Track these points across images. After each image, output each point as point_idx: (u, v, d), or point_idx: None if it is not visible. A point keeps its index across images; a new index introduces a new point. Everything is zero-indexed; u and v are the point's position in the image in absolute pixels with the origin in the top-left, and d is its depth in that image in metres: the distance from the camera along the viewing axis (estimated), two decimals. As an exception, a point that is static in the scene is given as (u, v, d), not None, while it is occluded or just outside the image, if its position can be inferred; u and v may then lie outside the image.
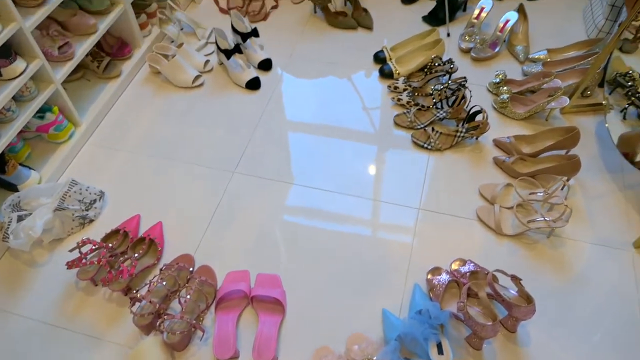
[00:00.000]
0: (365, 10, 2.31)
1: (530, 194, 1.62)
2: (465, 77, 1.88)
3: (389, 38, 2.24)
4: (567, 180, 1.60)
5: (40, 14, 1.58)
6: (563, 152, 1.71)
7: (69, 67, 1.75)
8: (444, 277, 1.42)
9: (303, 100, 1.99)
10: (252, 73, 2.04)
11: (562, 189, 1.58)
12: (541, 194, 1.59)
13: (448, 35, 2.21)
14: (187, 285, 1.45)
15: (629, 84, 1.82)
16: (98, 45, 2.03)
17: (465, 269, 1.44)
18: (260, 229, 1.61)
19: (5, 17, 1.48)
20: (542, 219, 1.51)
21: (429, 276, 1.45)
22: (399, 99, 1.93)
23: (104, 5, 1.90)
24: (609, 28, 2.05)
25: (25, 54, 1.60)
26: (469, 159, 1.77)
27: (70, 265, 1.44)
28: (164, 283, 1.41)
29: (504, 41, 2.13)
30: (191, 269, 1.51)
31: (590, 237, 1.56)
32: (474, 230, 1.59)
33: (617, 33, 1.66)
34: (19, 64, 1.54)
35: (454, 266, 1.47)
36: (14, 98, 1.58)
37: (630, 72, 1.84)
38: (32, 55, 1.60)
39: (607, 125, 1.68)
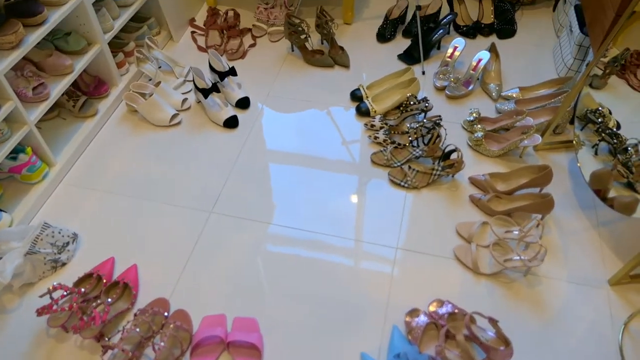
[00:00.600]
0: (341, 48, 2.35)
1: (506, 232, 1.63)
2: (440, 116, 1.92)
3: (366, 76, 2.27)
4: (542, 218, 1.62)
5: (15, 56, 1.57)
6: (537, 189, 1.74)
7: (43, 107, 1.73)
8: (422, 319, 1.42)
9: (281, 138, 2.00)
10: (230, 111, 2.04)
11: (536, 227, 1.60)
12: (517, 232, 1.61)
13: (423, 73, 2.26)
14: (161, 331, 1.42)
15: (599, 120, 1.87)
16: (74, 84, 2.02)
17: (443, 310, 1.43)
18: (237, 270, 1.60)
19: (-22, 60, 1.48)
20: (518, 258, 1.52)
21: (407, 318, 1.44)
22: (375, 137, 1.95)
23: (81, 45, 1.90)
24: (578, 66, 2.12)
25: (-1, 96, 1.58)
26: (445, 197, 1.79)
27: (40, 312, 1.39)
28: (138, 330, 1.38)
29: (477, 79, 2.18)
30: (166, 313, 1.47)
31: (566, 275, 1.58)
32: (452, 269, 1.59)
33: (585, 73, 1.72)
34: (-8, 107, 1.52)
35: (432, 307, 1.47)
36: (-15, 140, 1.55)
37: (600, 108, 1.89)
38: (4, 97, 1.59)
39: (579, 164, 1.72)
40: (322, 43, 2.43)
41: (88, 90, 2.06)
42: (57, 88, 1.79)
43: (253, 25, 2.52)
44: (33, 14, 1.63)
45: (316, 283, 1.56)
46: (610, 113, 1.87)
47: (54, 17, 1.70)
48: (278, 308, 1.50)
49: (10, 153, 1.67)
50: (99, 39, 1.95)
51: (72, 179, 1.87)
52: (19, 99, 1.64)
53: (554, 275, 1.58)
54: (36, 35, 1.64)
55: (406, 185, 1.80)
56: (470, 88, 2.14)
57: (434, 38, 2.30)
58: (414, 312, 1.45)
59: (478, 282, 1.56)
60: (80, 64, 1.88)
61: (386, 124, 1.99)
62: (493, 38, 2.47)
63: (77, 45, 1.89)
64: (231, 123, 2.03)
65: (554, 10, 2.60)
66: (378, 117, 2.03)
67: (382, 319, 1.47)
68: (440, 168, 1.78)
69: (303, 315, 1.49)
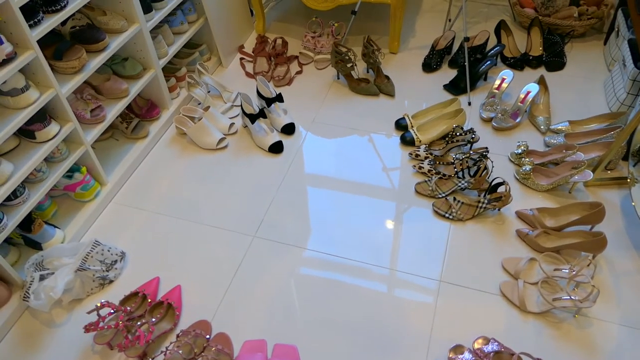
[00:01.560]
0: (387, 77, 2.37)
1: (555, 270, 1.58)
2: (487, 148, 1.89)
3: (410, 105, 2.28)
4: (593, 257, 1.57)
5: (76, 81, 1.65)
6: (588, 227, 1.69)
7: (99, 129, 1.81)
8: (467, 356, 1.38)
9: (324, 165, 2.02)
10: (275, 137, 2.08)
11: (587, 266, 1.54)
12: (566, 270, 1.56)
13: (469, 104, 2.25)
14: (203, 354, 1.42)
15: (654, 157, 1.81)
16: (128, 106, 2.10)
17: (488, 348, 1.39)
18: (278, 296, 1.60)
19: (43, 84, 1.56)
20: (569, 297, 1.47)
21: (451, 354, 1.40)
22: (420, 167, 1.94)
23: (137, 70, 1.98)
24: (631, 101, 2.06)
25: (59, 117, 1.66)
26: (491, 231, 1.75)
27: (87, 329, 1.43)
28: (180, 352, 1.39)
29: (525, 112, 2.15)
30: (208, 336, 1.48)
31: (618, 317, 1.51)
32: (497, 305, 1.55)
33: (640, 110, 1.67)
34: (53, 128, 1.60)
35: (477, 345, 1.42)
36: (45, 159, 1.62)
37: (654, 145, 1.84)
38: (65, 119, 1.66)
39: (633, 203, 1.66)
40: (368, 72, 2.45)
41: (141, 113, 2.14)
42: (113, 111, 1.86)
43: (300, 52, 2.57)
44: (96, 41, 1.72)
45: (357, 312, 1.54)
46: (665, 149, 1.81)
47: (115, 44, 1.79)
48: (318, 336, 1.49)
49: (67, 172, 1.74)
50: (154, 64, 2.03)
51: (121, 198, 1.93)
52: (78, 120, 1.72)
53: (606, 317, 1.51)
54: (97, 61, 1.73)
55: (451, 217, 1.78)
56: (517, 120, 2.11)
57: (481, 69, 2.29)
58: (458, 349, 1.41)
59: (525, 320, 1.51)
60: (135, 88, 1.95)
61: (431, 154, 1.98)
62: (541, 70, 2.43)
63: (133, 70, 1.97)
64: (276, 148, 2.06)
65: (605, 43, 2.55)
66: (423, 146, 2.02)
67: (424, 353, 1.44)
68: (486, 201, 1.75)
69: (343, 344, 1.47)
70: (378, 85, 2.35)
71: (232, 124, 2.17)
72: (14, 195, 1.53)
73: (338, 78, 2.44)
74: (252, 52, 2.60)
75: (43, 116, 1.57)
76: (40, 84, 1.56)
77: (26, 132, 1.57)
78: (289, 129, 2.15)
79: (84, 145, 1.75)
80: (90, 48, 1.72)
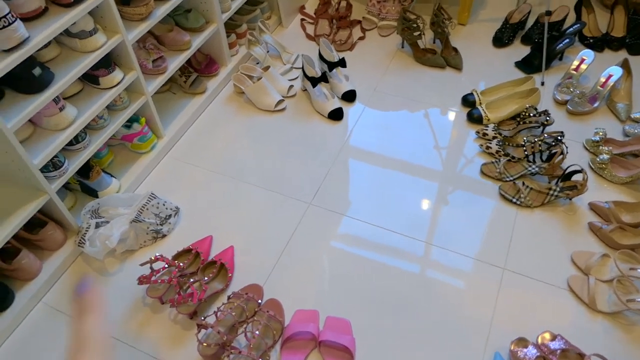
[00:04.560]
0: (455, 49, 2.24)
1: (630, 269, 1.48)
2: (562, 132, 1.77)
3: (478, 81, 2.15)
4: (674, 258, 1.45)
5: (142, 28, 1.60)
6: (668, 225, 1.57)
7: (160, 80, 1.76)
8: (531, 350, 1.30)
9: (385, 138, 1.93)
10: (336, 103, 2.00)
11: (666, 267, 1.43)
12: (644, 270, 1.45)
13: (542, 84, 2.10)
14: (254, 319, 1.39)
15: None
16: (187, 61, 2.04)
17: (555, 345, 1.31)
18: (333, 268, 1.55)
19: (110, 29, 1.51)
20: (645, 299, 1.37)
21: (513, 347, 1.33)
22: (487, 147, 1.84)
23: (199, 23, 1.91)
24: None
25: (123, 65, 1.62)
26: (561, 221, 1.64)
27: (141, 281, 1.41)
28: (233, 314, 1.36)
29: (604, 97, 2.00)
30: (260, 301, 1.45)
31: (696, 326, 1.40)
32: (564, 300, 1.46)
33: None
34: (117, 75, 1.56)
35: (542, 340, 1.34)
36: (106, 107, 1.59)
37: None
38: (129, 67, 1.62)
39: None
40: (435, 42, 2.33)
41: (200, 68, 2.09)
42: (174, 63, 1.81)
43: (363, 17, 2.46)
44: (164, -12, 1.66)
45: (416, 293, 1.48)
46: None
47: (181, -7, 1.72)
48: (372, 313, 1.44)
49: (126, 121, 1.71)
50: (217, 18, 1.96)
51: (177, 153, 1.90)
52: (140, 70, 1.67)
53: (682, 324, 1.41)
54: (163, 9, 1.67)
55: (519, 202, 1.68)
56: (595, 105, 1.97)
57: (557, 47, 2.14)
58: (521, 342, 1.34)
59: (594, 319, 1.42)
60: (197, 41, 1.90)
61: (500, 133, 1.86)
62: (623, 53, 2.26)
63: (196, 22, 1.91)
64: (336, 115, 1.98)
65: (697, 29, 2.34)
66: (491, 125, 1.90)
67: (483, 342, 1.37)
68: (558, 189, 1.64)
69: (398, 325, 1.41)
70: (445, 57, 2.22)
71: (292, 86, 2.10)
72: (76, 140, 1.50)
73: (403, 47, 2.32)
74: (314, 14, 2.50)
75: (108, 62, 1.53)
76: (107, 28, 1.51)
77: (90, 77, 1.54)
78: (350, 96, 2.06)
79: (145, 96, 1.71)
80: (157, -5, 1.66)
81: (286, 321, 1.42)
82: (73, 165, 1.50)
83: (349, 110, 2.04)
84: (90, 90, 1.56)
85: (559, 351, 1.29)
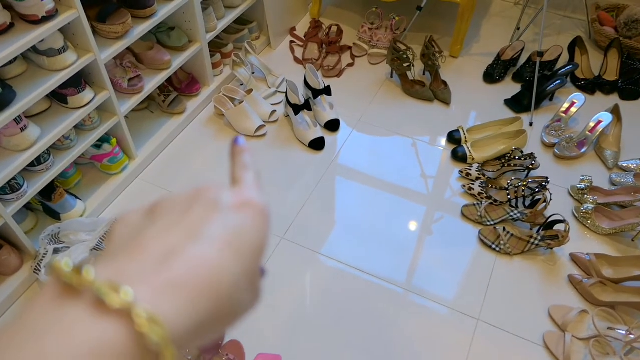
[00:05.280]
0: (444, 83, 2.20)
1: (608, 328, 1.42)
2: (547, 178, 1.72)
3: (466, 117, 2.11)
4: (655, 320, 1.40)
5: (118, 48, 1.53)
6: (651, 283, 1.51)
7: (135, 100, 1.70)
8: (501, 414, 1.24)
9: (367, 171, 1.87)
10: (318, 132, 1.94)
11: (646, 328, 1.38)
12: (622, 332, 1.39)
13: (531, 124, 2.06)
14: (212, 362, 1.32)
15: None
16: (168, 79, 1.98)
17: (526, 409, 1.25)
18: (300, 309, 1.48)
19: (82, 47, 1.45)
20: (622, 363, 1.31)
21: (482, 408, 1.27)
22: (470, 188, 1.78)
23: (182, 42, 1.86)
24: None
25: (95, 84, 1.56)
26: (540, 271, 1.59)
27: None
28: (189, 357, 1.28)
29: (593, 142, 1.96)
30: (220, 342, 1.37)
31: (674, 393, 1.34)
32: (538, 357, 1.40)
33: None
34: (87, 94, 1.49)
35: (513, 402, 1.28)
36: (74, 126, 1.52)
37: None
38: (101, 86, 1.56)
39: None
40: (424, 74, 2.28)
41: (180, 87, 2.03)
42: (152, 82, 1.75)
43: (354, 43, 2.41)
44: (143, 7, 1.60)
45: (386, 340, 1.41)
46: None
47: (163, 12, 1.66)
48: (337, 358, 1.37)
49: (96, 141, 1.64)
50: (201, 37, 1.90)
51: (149, 175, 1.82)
52: (114, 89, 1.61)
53: (660, 390, 1.35)
54: (142, 28, 1.61)
55: (498, 249, 1.62)
56: (583, 150, 1.92)
57: (549, 88, 2.10)
58: (490, 403, 1.27)
59: (568, 380, 1.36)
60: (178, 61, 1.83)
61: (483, 174, 1.81)
62: (614, 97, 2.22)
63: (178, 41, 1.85)
64: (317, 145, 1.92)
65: (689, 76, 2.31)
66: (475, 165, 1.85)
67: (451, 400, 1.31)
68: (539, 237, 1.58)
69: (364, 376, 1.34)
70: (434, 90, 2.17)
71: (274, 111, 2.04)
72: (38, 161, 1.43)
73: (392, 77, 2.27)
74: (304, 37, 2.45)
75: (78, 81, 1.46)
76: (79, 46, 1.45)
77: (58, 96, 1.47)
78: (333, 126, 2.01)
79: (117, 116, 1.64)
80: (136, 13, 1.60)
81: (246, 366, 1.35)
82: (34, 187, 1.42)
83: (332, 140, 1.98)
84: (58, 109, 1.49)
85: (529, 417, 1.23)
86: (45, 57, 1.36)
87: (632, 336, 1.36)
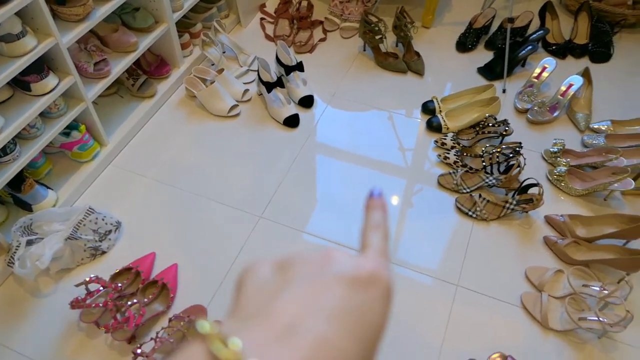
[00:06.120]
0: (417, 54, 2.19)
1: (583, 285, 1.45)
2: (520, 143, 1.73)
3: (440, 87, 2.10)
4: (627, 275, 1.43)
5: (80, 30, 1.49)
6: (622, 240, 1.55)
7: (102, 85, 1.66)
8: (481, 375, 1.26)
9: (342, 145, 1.87)
10: (292, 109, 1.92)
11: (618, 283, 1.41)
12: (596, 288, 1.43)
13: (504, 91, 2.07)
14: (195, 342, 1.32)
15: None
16: (136, 61, 1.93)
17: (505, 368, 1.28)
18: (281, 285, 1.48)
19: (42, 31, 1.40)
20: (597, 319, 1.34)
21: (464, 370, 1.29)
22: (445, 157, 1.79)
23: (148, 23, 1.81)
24: (682, 105, 1.89)
25: (59, 69, 1.51)
26: (516, 235, 1.61)
27: (74, 305, 1.32)
28: (172, 340, 1.28)
29: (565, 106, 1.97)
30: None
31: (647, 344, 1.39)
32: (517, 318, 1.43)
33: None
34: (51, 81, 1.45)
35: (493, 362, 1.31)
36: (40, 114, 1.48)
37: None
38: (65, 72, 1.51)
39: (680, 222, 1.51)
40: (397, 46, 2.27)
41: (149, 70, 1.98)
42: (119, 66, 1.71)
43: (325, 18, 2.38)
44: (104, -13, 1.55)
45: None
46: None
47: (125, -8, 1.62)
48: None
49: (64, 129, 1.60)
50: (167, 17, 1.86)
51: (122, 161, 1.79)
52: (79, 73, 1.57)
53: (634, 342, 1.39)
54: (105, 9, 1.56)
55: (474, 215, 1.64)
56: (555, 115, 1.94)
57: (520, 54, 2.10)
58: (471, 365, 1.30)
59: (545, 337, 1.39)
60: (145, 42, 1.79)
61: (458, 143, 1.82)
62: (585, 61, 2.24)
63: (144, 22, 1.81)
64: (292, 122, 1.91)
65: (657, 36, 2.34)
66: (450, 134, 1.86)
67: (433, 365, 1.33)
68: (515, 202, 1.60)
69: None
70: (407, 61, 2.16)
71: (247, 90, 2.01)
72: (4, 152, 1.39)
73: (364, 50, 2.25)
74: (274, 13, 2.41)
75: (40, 67, 1.42)
76: (39, 30, 1.40)
77: (21, 83, 1.43)
78: (307, 102, 1.99)
79: (85, 102, 1.60)
80: (97, -6, 1.55)
81: (230, 344, 1.35)
82: (1, 179, 1.39)
83: (307, 116, 1.97)
84: (21, 97, 1.45)
85: (509, 375, 1.26)
86: (3, 43, 1.31)
87: (605, 292, 1.39)
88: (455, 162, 1.77)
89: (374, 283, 0.31)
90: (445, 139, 1.85)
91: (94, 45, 1.67)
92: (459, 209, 1.67)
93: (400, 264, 1.53)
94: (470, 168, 1.73)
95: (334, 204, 1.68)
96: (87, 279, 1.34)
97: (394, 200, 1.70)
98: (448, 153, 1.80)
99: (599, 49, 2.24)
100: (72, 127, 1.63)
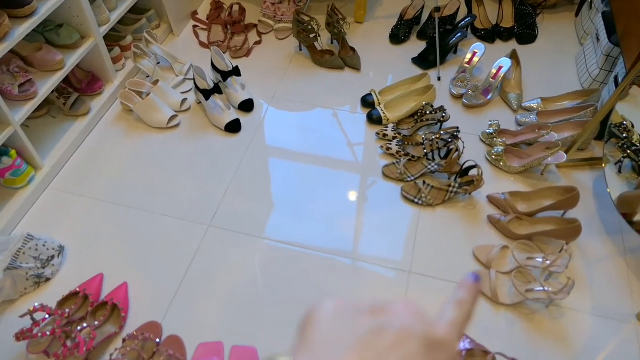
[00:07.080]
0: (353, 49, 2.22)
1: (528, 258, 1.51)
2: (457, 128, 1.79)
3: (377, 80, 2.14)
4: (567, 244, 1.50)
5: (0, 51, 1.43)
6: (560, 211, 1.62)
7: (30, 106, 1.60)
8: (438, 356, 1.29)
9: (286, 146, 1.87)
10: (233, 115, 1.91)
11: (559, 252, 1.48)
12: (540, 259, 1.49)
13: (439, 79, 2.13)
14: (152, 359, 1.29)
15: (624, 135, 1.75)
16: (66, 80, 1.88)
17: (460, 346, 1.32)
18: (236, 293, 1.47)
19: (-44, 56, 1.34)
20: (542, 289, 1.40)
21: (422, 353, 1.32)
22: (388, 148, 1.82)
23: (73, 39, 1.76)
24: (604, 78, 1.99)
25: (-20, 94, 1.45)
26: (462, 217, 1.66)
27: (19, 337, 1.27)
28: (126, 359, 1.25)
29: (497, 88, 2.05)
30: (158, 339, 1.35)
31: (591, 307, 1.46)
32: (469, 297, 1.47)
33: (621, 87, 1.59)
34: (-28, 107, 1.39)
35: (449, 342, 1.34)
36: (-36, 143, 1.42)
37: (624, 122, 1.77)
38: (-13, 96, 1.45)
39: (609, 190, 1.59)
40: (332, 43, 2.29)
41: (80, 87, 1.92)
42: (46, 85, 1.65)
43: (259, 21, 2.38)
44: (21, 5, 1.49)
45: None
46: (633, 127, 1.75)
47: (45, 9, 1.56)
48: (279, 336, 1.38)
49: (-7, 156, 1.54)
50: (94, 32, 1.81)
51: (60, 184, 1.73)
52: (4, 97, 1.50)
53: (578, 307, 1.46)
54: (24, 28, 1.50)
55: (420, 202, 1.68)
56: (489, 97, 2.01)
57: (451, 42, 2.17)
58: (428, 347, 1.33)
59: (497, 312, 1.44)
60: (72, 59, 1.74)
61: (399, 133, 1.86)
62: (512, 43, 2.33)
63: (69, 38, 1.75)
64: (233, 127, 1.89)
65: (576, 15, 2.46)
66: (391, 125, 1.89)
67: (393, 352, 1.35)
68: (457, 185, 1.65)
69: (307, 345, 1.36)
70: (343, 57, 2.19)
71: (185, 99, 1.98)
72: None
73: (300, 49, 2.26)
74: (207, 19, 2.38)
75: (-42, 94, 1.35)
76: (-48, 55, 1.34)
77: (-62, 112, 1.36)
78: (247, 106, 1.98)
79: (12, 126, 1.54)
80: (14, 13, 1.49)
81: (188, 358, 1.33)
82: None
83: (248, 120, 1.96)
84: (-59, 126, 1.38)
85: (464, 352, 1.30)
86: None
87: (548, 262, 1.46)
88: (397, 152, 1.81)
89: (442, 348, 0.33)
90: (386, 130, 1.88)
91: (17, 67, 1.61)
92: (405, 197, 1.70)
93: (353, 259, 1.55)
94: (413, 156, 1.77)
95: (288, 205, 1.68)
96: (32, 308, 1.29)
97: (344, 196, 1.71)
98: (390, 144, 1.83)
99: (524, 31, 2.33)
100: (1, 152, 1.56)
